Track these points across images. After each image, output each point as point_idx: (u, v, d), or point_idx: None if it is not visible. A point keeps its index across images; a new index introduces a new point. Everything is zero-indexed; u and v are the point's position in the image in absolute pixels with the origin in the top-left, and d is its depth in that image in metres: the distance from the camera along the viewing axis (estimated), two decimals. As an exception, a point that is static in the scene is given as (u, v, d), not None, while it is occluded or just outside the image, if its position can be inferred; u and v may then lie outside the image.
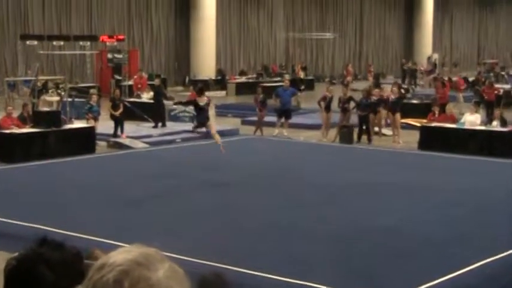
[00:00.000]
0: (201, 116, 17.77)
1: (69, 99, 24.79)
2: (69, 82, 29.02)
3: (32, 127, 19.83)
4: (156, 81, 27.14)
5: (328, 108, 23.83)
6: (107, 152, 20.85)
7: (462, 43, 63.91)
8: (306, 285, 9.27)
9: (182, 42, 43.32)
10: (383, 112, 24.20)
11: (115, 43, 34.61)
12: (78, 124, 21.68)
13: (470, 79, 39.05)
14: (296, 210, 13.54)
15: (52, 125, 19.98)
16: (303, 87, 32.37)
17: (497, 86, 32.68)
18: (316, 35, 50.37)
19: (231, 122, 27.11)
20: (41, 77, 27.17)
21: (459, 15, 63.50)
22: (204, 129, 18.34)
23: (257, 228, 12.25)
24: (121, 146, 21.61)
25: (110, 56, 34.63)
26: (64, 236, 10.16)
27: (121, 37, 34.98)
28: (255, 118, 25.60)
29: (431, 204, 14.19)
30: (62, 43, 32.56)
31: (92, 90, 25.77)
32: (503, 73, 42.48)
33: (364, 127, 23.17)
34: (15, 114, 20.57)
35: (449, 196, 14.81)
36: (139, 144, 21.83)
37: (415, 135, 22.34)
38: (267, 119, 24.82)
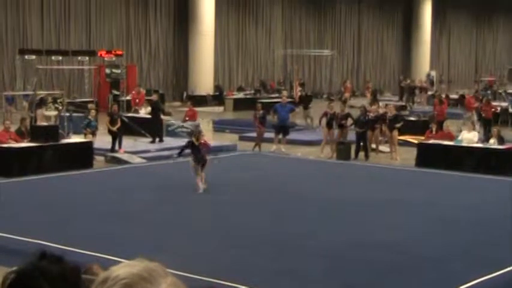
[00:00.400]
0: (197, 156, 17.26)
1: (67, 114, 24.84)
2: (67, 97, 29.07)
3: (30, 141, 19.84)
4: (154, 97, 27.13)
5: (330, 125, 23.92)
6: (104, 167, 20.85)
7: (460, 60, 64.11)
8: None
9: (180, 58, 43.39)
10: (383, 129, 24.26)
11: (113, 58, 34.68)
12: (75, 139, 21.73)
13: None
14: (291, 226, 13.55)
15: (50, 139, 20.00)
16: (311, 105, 32.38)
17: (494, 103, 32.76)
18: (314, 51, 50.46)
19: (229, 138, 27.13)
20: (39, 92, 27.19)
21: (457, 32, 63.68)
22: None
23: (250, 243, 12.27)
24: (119, 161, 21.62)
25: (108, 71, 34.66)
26: (62, 250, 10.14)
27: (119, 52, 35.03)
28: (253, 134, 25.63)
29: (428, 220, 14.20)
30: (60, 58, 32.61)
31: (89, 105, 25.83)
32: (500, 91, 42.57)
33: (361, 143, 23.21)
34: (13, 128, 20.58)
35: (446, 213, 14.83)
36: (136, 159, 21.84)
37: (413, 152, 22.37)
38: (265, 135, 24.85)
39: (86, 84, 34.53)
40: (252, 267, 10.94)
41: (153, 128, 25.22)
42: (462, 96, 37.95)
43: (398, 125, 24.04)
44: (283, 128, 24.64)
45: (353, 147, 23.18)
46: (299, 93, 35.60)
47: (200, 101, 38.92)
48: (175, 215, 14.57)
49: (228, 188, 17.36)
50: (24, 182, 17.70)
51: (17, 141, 19.75)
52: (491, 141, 21.52)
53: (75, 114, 25.56)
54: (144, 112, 27.88)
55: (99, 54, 34.14)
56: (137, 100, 29.78)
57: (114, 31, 40.29)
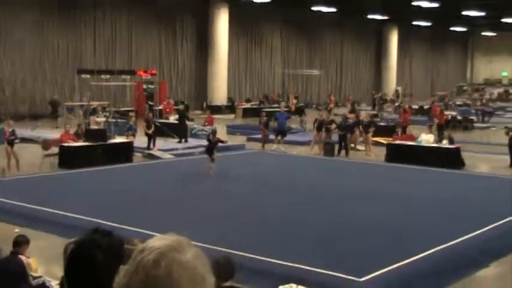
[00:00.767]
0: (209, 148, 17.75)
1: (113, 120, 24.86)
2: (113, 106, 29.06)
3: (84, 141, 19.90)
4: (181, 106, 27.14)
5: (318, 129, 23.92)
6: (142, 162, 20.87)
7: (419, 79, 64.01)
8: (298, 267, 9.27)
9: (201, 76, 43.40)
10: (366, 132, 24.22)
11: (149, 76, 34.63)
12: (119, 139, 21.70)
13: (426, 107, 39.06)
14: (289, 207, 13.56)
15: (99, 140, 20.06)
16: (304, 115, 32.39)
17: (446, 112, 32.68)
18: (305, 71, 50.43)
19: (239, 139, 27.13)
20: (92, 103, 27.22)
21: (417, 57, 63.66)
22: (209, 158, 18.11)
23: (257, 221, 12.28)
24: (153, 156, 21.63)
25: (144, 86, 34.67)
26: (110, 226, 10.20)
27: (153, 72, 35.01)
28: (258, 136, 25.65)
29: (394, 203, 14.21)
30: (108, 76, 32.64)
31: (130, 113, 25.84)
32: (451, 103, 42.50)
33: (342, 144, 23.16)
34: (72, 131, 20.63)
35: (409, 197, 14.83)
36: (167, 156, 21.85)
37: (383, 151, 22.36)
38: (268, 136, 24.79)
39: (127, 97, 34.54)
40: (258, 240, 10.94)
41: (180, 131, 25.21)
42: (421, 107, 37.88)
43: (371, 129, 24.02)
44: (281, 132, 24.60)
45: (336, 147, 23.14)
46: (294, 104, 35.57)
47: (216, 109, 38.96)
48: (197, 199, 14.59)
49: (238, 178, 17.38)
50: (79, 173, 17.75)
51: (74, 141, 19.81)
52: (444, 142, 21.47)
53: (119, 120, 25.56)
54: (172, 118, 27.89)
55: (138, 73, 34.14)
56: (167, 109, 29.78)
57: (150, 55, 40.29)
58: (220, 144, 18.47)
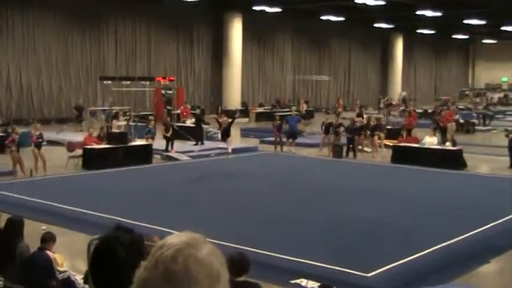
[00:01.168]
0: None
1: (133, 124, 24.94)
2: (133, 111, 29.17)
3: (106, 144, 19.96)
4: (197, 111, 27.22)
5: (326, 131, 23.87)
6: (160, 163, 20.92)
7: (423, 84, 63.75)
8: (307, 262, 9.26)
9: (216, 82, 43.46)
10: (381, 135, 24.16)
11: (167, 82, 34.71)
12: (139, 142, 21.74)
13: (430, 111, 38.86)
14: (298, 205, 13.56)
15: (121, 142, 20.13)
16: (307, 122, 32.41)
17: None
18: (315, 77, 50.38)
19: (252, 142, 27.14)
20: (113, 107, 27.35)
21: (421, 64, 63.46)
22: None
23: (268, 219, 12.29)
24: (171, 158, 21.67)
25: (163, 92, 34.73)
26: (131, 224, 10.26)
27: (172, 78, 35.08)
28: (271, 138, 25.67)
29: (400, 202, 14.18)
30: (128, 82, 32.74)
31: (150, 117, 25.88)
32: (453, 107, 42.22)
33: (350, 146, 23.09)
34: (95, 134, 20.73)
35: (413, 196, 14.78)
36: (184, 157, 21.89)
37: (389, 152, 22.29)
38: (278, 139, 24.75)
39: (147, 102, 34.67)
40: (268, 237, 10.95)
41: (196, 134, 25.23)
42: (425, 111, 37.64)
43: (377, 132, 23.94)
44: (292, 134, 24.57)
45: (345, 148, 23.09)
46: (304, 109, 35.47)
47: (231, 114, 38.86)
48: (211, 198, 14.62)
49: (251, 178, 17.40)
50: (102, 173, 17.84)
51: (97, 144, 19.89)
52: (447, 144, 21.37)
53: (139, 124, 25.64)
54: (189, 122, 27.93)
55: (157, 80, 34.24)
56: (185, 113, 29.82)
57: (168, 62, 40.44)
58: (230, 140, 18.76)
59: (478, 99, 51.40)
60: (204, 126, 26.31)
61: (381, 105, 44.04)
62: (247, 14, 42.08)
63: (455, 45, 66.15)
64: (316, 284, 7.92)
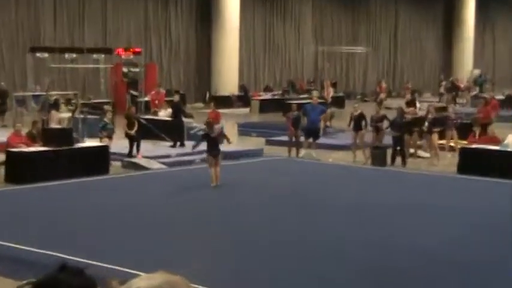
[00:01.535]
0: (212, 147, 18.43)
1: (82, 116, 24.99)
2: (81, 98, 29.20)
3: (42, 145, 19.91)
4: (175, 97, 27.18)
5: (356, 127, 23.85)
6: (121, 173, 20.93)
7: (505, 59, 63.32)
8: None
9: (203, 56, 43.50)
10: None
11: (131, 56, 34.84)
12: (90, 143, 21.77)
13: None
14: (325, 234, 13.54)
15: (63, 143, 20.07)
16: (332, 108, 32.43)
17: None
18: (347, 48, 50.38)
19: (255, 142, 27.15)
20: (51, 92, 27.34)
21: (501, 31, 63.03)
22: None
23: (276, 251, 12.28)
24: (136, 166, 21.68)
25: (125, 70, 34.87)
26: (80, 263, 10.21)
27: (137, 50, 35.17)
28: (281, 138, 25.65)
29: (470, 228, 14.15)
30: (74, 56, 32.64)
31: (105, 107, 25.92)
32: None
33: (398, 148, 23.10)
34: (24, 131, 20.68)
35: (489, 223, 14.74)
36: (155, 165, 21.89)
37: (454, 158, 22.25)
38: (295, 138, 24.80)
39: (101, 84, 34.71)
40: (279, 276, 10.93)
41: (174, 131, 25.27)
42: (509, 97, 37.62)
43: (438, 129, 23.93)
44: (313, 131, 24.55)
45: (389, 152, 23.10)
46: (331, 94, 35.61)
47: (224, 102, 39.02)
48: (195, 223, 14.60)
49: (253, 195, 17.39)
50: (36, 188, 17.80)
51: (28, 145, 19.83)
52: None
53: (90, 117, 25.70)
54: (164, 114, 27.94)
55: (116, 52, 34.29)
56: (156, 101, 29.86)
57: (132, 27, 40.46)
58: (225, 141, 19.11)
59: None
60: (184, 119, 26.35)
61: (442, 89, 44.11)
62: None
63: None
64: None
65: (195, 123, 27.99)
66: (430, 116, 24.27)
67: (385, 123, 23.82)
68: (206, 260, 11.86)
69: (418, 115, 24.85)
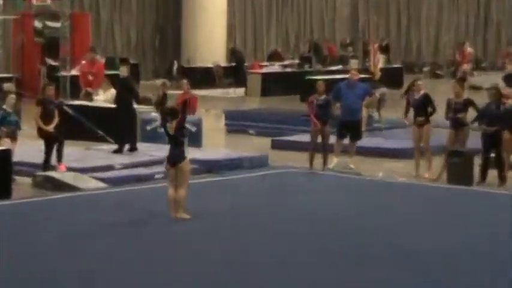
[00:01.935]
0: (173, 151, 18.24)
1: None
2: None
3: None
4: (122, 71, 27.04)
5: (416, 121, 23.75)
6: (32, 197, 20.87)
7: None
8: None
9: (167, 4, 43.55)
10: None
11: (48, 2, 34.75)
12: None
13: None
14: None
15: None
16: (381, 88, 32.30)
17: None
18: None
19: (255, 145, 27.18)
20: None
21: None
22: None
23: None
24: (58, 184, 21.61)
25: (38, 24, 34.79)
26: None
27: (58, -9, 35.13)
28: (301, 138, 25.65)
29: None
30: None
31: (5, 86, 25.82)
32: None
33: (492, 154, 23.02)
34: None
35: None
36: (90, 183, 21.84)
37: None
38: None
39: (-1, 49, 34.70)
40: None
41: (120, 126, 25.17)
42: None
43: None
44: (351, 126, 24.51)
45: (477, 161, 23.03)
46: (380, 65, 35.52)
47: (203, 78, 39.04)
48: (153, 281, 14.58)
49: (262, 234, 17.37)
50: None
51: None
52: None
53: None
54: (103, 98, 27.85)
55: (22, -4, 34.28)
56: (90, 77, 29.80)
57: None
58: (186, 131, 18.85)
59: None
60: (137, 107, 26.25)
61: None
62: None
63: None
64: None
65: (154, 112, 27.90)
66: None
67: (471, 114, 23.73)
68: None
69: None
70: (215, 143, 27.26)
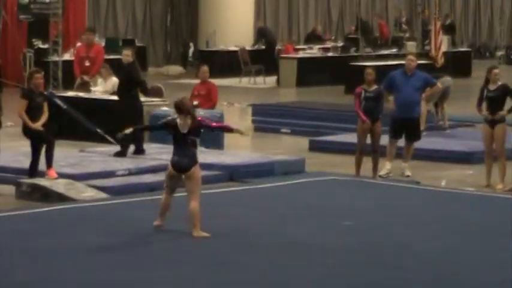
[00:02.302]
0: (181, 153, 17.96)
1: None
2: None
3: None
4: (126, 55, 27.10)
5: (493, 115, 23.68)
6: (15, 210, 20.91)
7: None
8: None
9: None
10: None
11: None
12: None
13: None
14: None
15: None
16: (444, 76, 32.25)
17: None
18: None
19: (288, 146, 27.20)
20: None
21: None
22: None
23: None
24: (46, 194, 21.67)
25: (23, -1, 34.96)
26: None
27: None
28: (344, 137, 25.63)
29: None
30: None
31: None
32: None
33: None
34: None
35: None
36: (85, 192, 21.87)
37: None
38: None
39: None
40: None
41: (124, 123, 25.21)
42: None
43: None
44: (407, 124, 24.49)
45: None
46: (443, 48, 35.51)
47: (225, 64, 39.12)
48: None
49: (278, 257, 17.34)
50: None
51: None
52: None
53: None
54: (102, 89, 27.92)
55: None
56: (87, 62, 29.85)
57: None
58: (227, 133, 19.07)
59: None
60: (144, 100, 26.31)
61: None
62: None
63: None
64: None
65: (167, 106, 27.96)
66: None
67: None
68: None
69: None
70: (239, 144, 27.29)
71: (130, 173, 23.49)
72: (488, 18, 52.69)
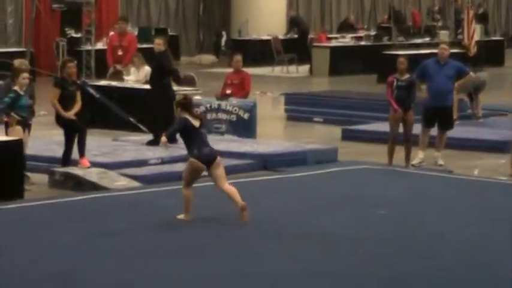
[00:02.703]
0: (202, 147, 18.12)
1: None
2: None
3: None
4: (158, 44, 27.08)
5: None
6: (48, 198, 20.97)
7: None
8: None
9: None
10: None
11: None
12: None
13: None
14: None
15: None
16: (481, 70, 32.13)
17: None
18: None
19: (320, 135, 27.16)
20: None
21: None
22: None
23: None
24: (79, 183, 21.70)
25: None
26: None
27: None
28: (376, 126, 25.59)
29: None
30: None
31: (17, 62, 25.91)
32: None
33: None
34: None
35: None
36: (118, 181, 21.89)
37: None
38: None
39: (8, 19, 34.87)
40: None
41: (156, 112, 25.23)
42: None
43: None
44: (440, 113, 24.43)
45: None
46: (476, 37, 35.36)
47: (258, 53, 39.05)
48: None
49: (312, 245, 17.33)
50: None
51: None
52: None
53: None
54: (135, 78, 27.91)
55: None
56: (120, 51, 29.85)
57: None
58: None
59: None
60: (177, 89, 26.29)
61: None
62: None
63: None
64: None
65: (200, 96, 27.93)
66: None
67: None
68: None
69: None
70: (272, 133, 27.34)
71: (163, 161, 23.51)
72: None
